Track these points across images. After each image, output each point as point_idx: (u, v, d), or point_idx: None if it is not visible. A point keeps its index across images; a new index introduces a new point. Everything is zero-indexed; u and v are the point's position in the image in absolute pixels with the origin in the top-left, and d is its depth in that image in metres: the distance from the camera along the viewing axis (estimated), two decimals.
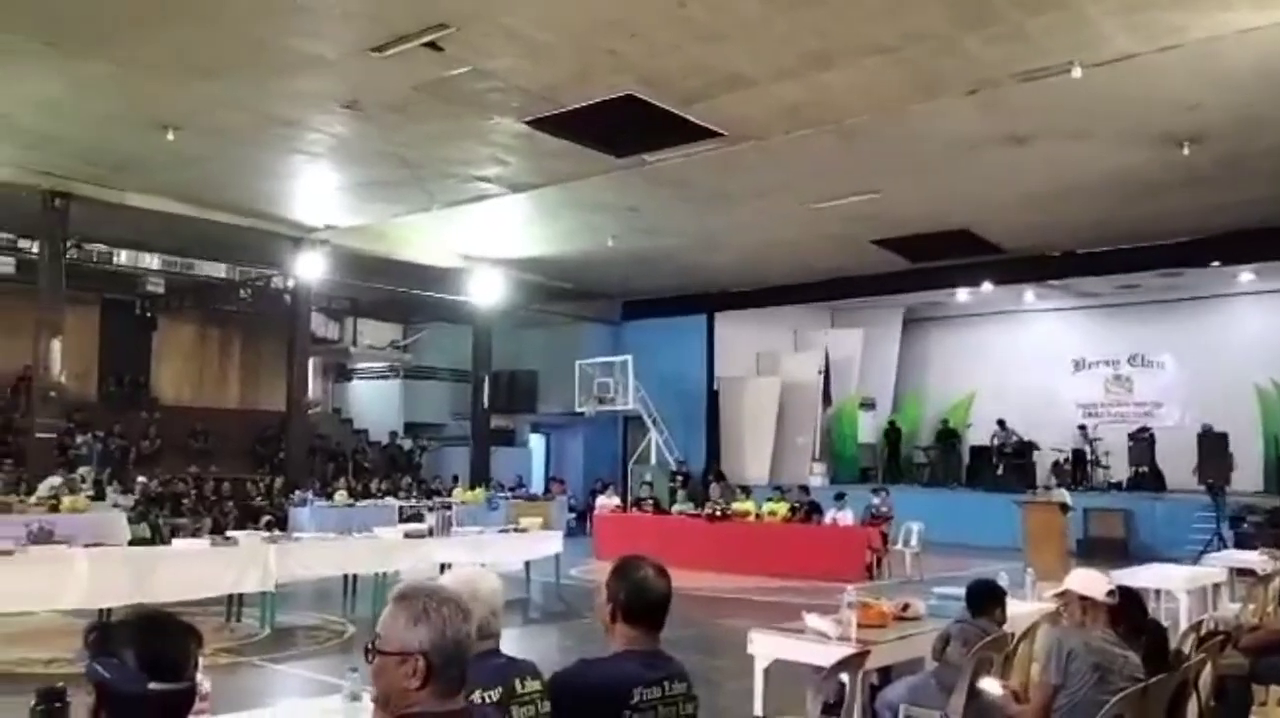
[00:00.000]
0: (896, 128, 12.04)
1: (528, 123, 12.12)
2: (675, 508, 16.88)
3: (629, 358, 21.42)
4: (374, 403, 26.59)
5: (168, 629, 1.72)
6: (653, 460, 21.42)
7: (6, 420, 18.48)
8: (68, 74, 11.18)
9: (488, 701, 2.44)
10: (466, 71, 10.54)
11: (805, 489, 16.37)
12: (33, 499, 13.39)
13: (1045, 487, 18.23)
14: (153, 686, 1.62)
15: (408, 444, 24.58)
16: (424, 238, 18.74)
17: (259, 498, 18.38)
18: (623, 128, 12.08)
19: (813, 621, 4.86)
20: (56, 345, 15.71)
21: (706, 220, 16.68)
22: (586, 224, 17.20)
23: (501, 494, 19.98)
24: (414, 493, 19.58)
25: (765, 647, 5.03)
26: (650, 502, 17.33)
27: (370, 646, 2.00)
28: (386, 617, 2.01)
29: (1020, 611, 5.46)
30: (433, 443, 25.26)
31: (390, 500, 18.11)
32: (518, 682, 2.57)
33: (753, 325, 23.35)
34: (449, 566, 10.72)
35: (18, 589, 7.53)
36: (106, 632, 1.71)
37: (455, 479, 21.61)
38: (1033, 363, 22.96)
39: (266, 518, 15.78)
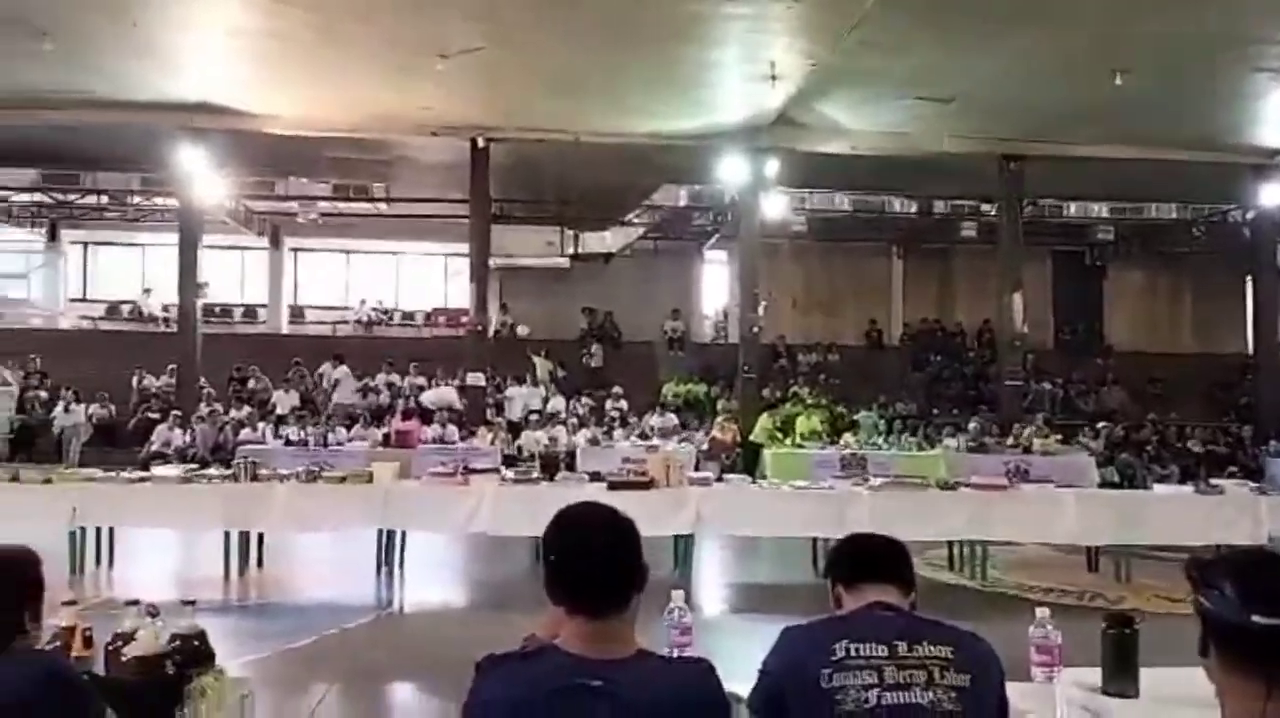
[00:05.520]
0: None
1: None
2: None
3: None
4: None
5: (1269, 564, 1.68)
6: None
7: (978, 370, 20.54)
8: (1010, 46, 11.93)
9: None
10: None
11: None
12: (1009, 441, 14.66)
13: None
14: (1255, 618, 1.59)
15: None
16: None
17: (1223, 446, 17.26)
18: None
19: None
20: (1017, 299, 16.93)
21: None
22: None
23: None
24: None
25: None
26: None
27: None
28: None
29: None
30: None
31: None
32: None
33: None
34: None
35: (1010, 521, 8.23)
36: (1206, 566, 1.73)
37: None
38: None
39: (1230, 468, 14.72)
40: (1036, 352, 19.97)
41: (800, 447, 14.93)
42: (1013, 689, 2.24)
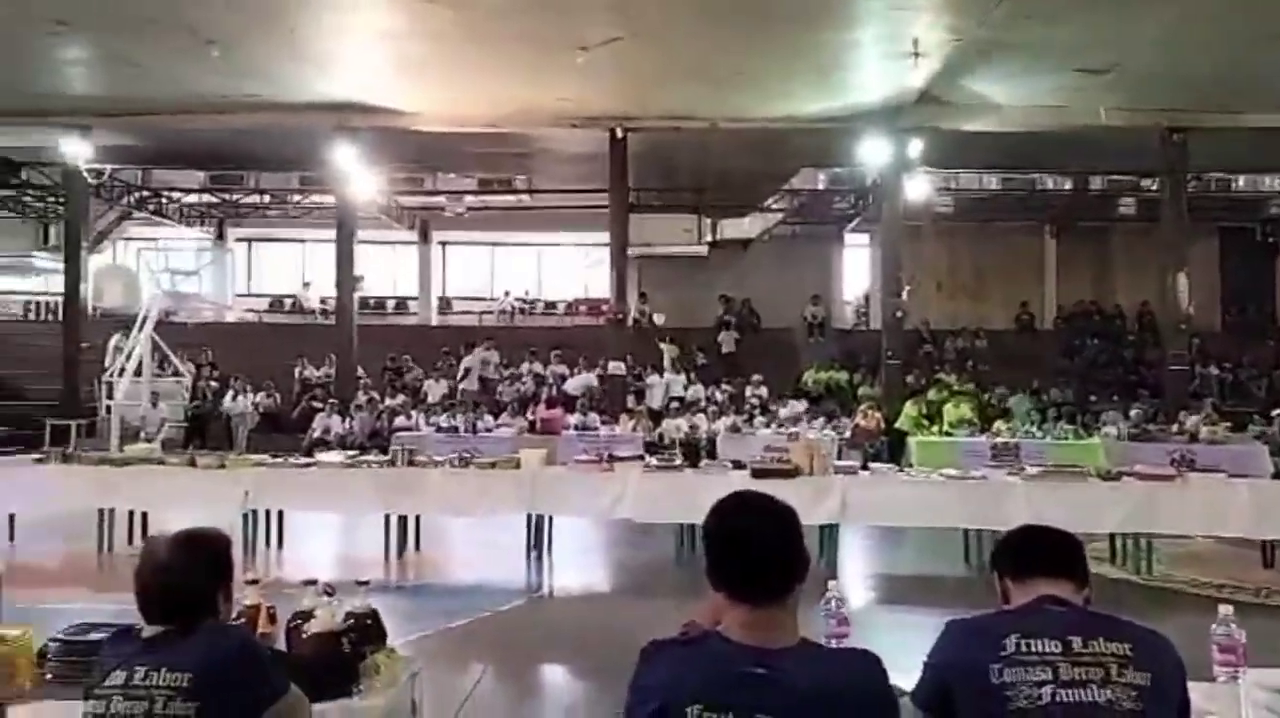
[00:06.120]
0: None
1: None
2: None
3: None
4: None
5: None
6: None
7: (1138, 354, 19.53)
8: (1173, 11, 11.24)
9: None
10: None
11: None
12: (1173, 429, 13.90)
13: None
14: None
15: None
16: None
17: None
18: None
19: None
20: (1182, 279, 16.02)
21: None
22: None
23: None
24: None
25: None
26: None
27: None
28: None
29: None
30: None
31: None
32: None
33: None
34: None
35: (1178, 513, 7.77)
36: None
37: None
38: None
39: None
40: (1202, 334, 18.85)
41: (948, 434, 14.53)
42: (1194, 689, 2.14)
